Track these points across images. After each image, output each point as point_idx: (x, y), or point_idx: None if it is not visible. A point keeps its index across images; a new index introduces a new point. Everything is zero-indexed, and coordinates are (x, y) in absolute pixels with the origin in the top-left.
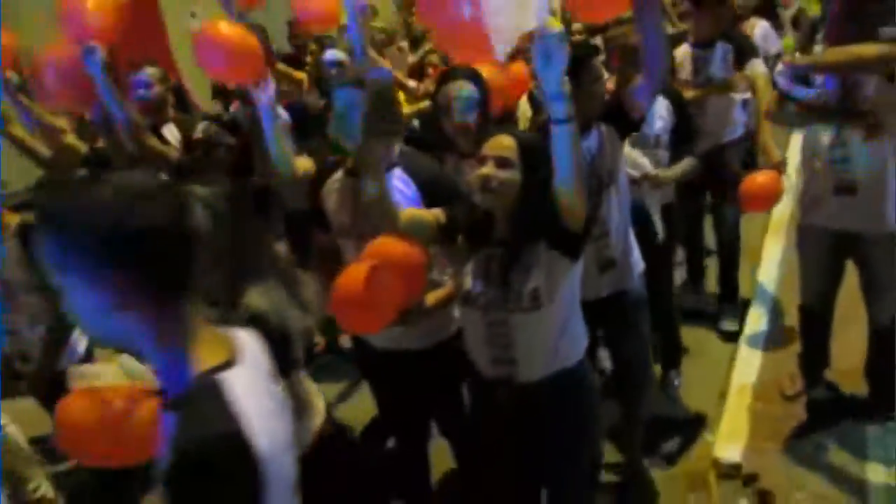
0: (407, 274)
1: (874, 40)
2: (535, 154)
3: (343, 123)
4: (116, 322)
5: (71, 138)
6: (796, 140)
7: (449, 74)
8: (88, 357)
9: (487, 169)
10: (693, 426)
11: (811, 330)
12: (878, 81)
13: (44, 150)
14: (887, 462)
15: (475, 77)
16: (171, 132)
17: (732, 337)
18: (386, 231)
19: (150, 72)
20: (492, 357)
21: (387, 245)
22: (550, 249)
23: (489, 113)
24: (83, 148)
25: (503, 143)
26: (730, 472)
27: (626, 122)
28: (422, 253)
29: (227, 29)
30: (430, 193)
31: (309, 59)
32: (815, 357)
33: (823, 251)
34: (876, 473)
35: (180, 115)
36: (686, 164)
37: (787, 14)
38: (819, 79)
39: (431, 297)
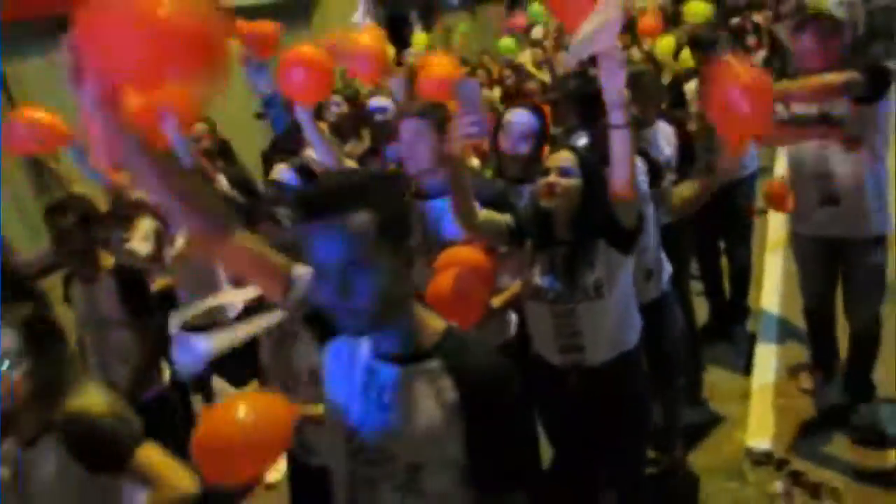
0: (483, 276)
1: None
2: (591, 164)
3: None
4: (400, 288)
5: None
6: (782, 157)
7: (514, 102)
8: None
9: (552, 178)
10: (722, 425)
11: (817, 329)
12: (849, 102)
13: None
14: None
15: (537, 111)
16: (219, 181)
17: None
18: (466, 227)
19: (199, 127)
20: (560, 346)
21: (461, 252)
22: (609, 246)
23: (543, 146)
24: None
25: (563, 155)
26: (762, 459)
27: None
28: (489, 259)
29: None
30: (492, 205)
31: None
32: (825, 353)
33: (817, 257)
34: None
35: (226, 165)
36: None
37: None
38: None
39: (497, 300)
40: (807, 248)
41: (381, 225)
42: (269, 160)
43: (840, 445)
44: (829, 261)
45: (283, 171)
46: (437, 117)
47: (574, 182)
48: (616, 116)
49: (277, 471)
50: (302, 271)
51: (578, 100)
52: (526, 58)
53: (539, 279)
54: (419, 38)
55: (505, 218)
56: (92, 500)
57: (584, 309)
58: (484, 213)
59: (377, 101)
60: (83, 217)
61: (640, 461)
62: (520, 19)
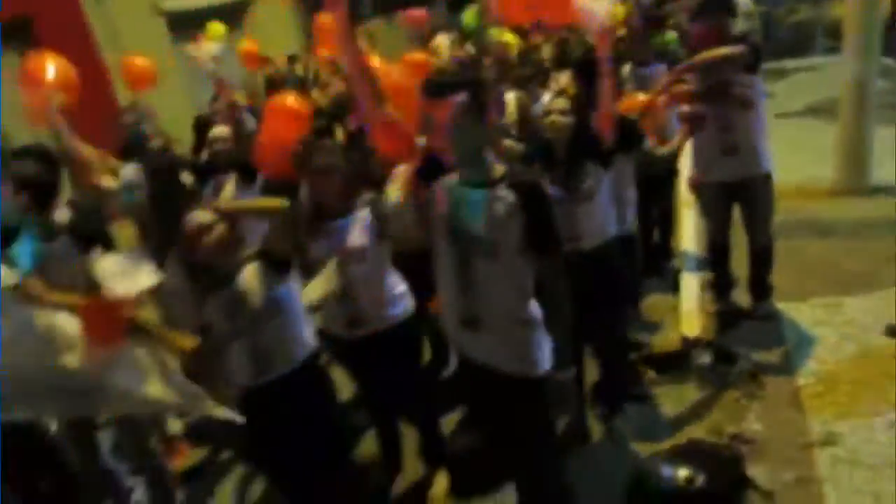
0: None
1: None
2: (582, 106)
3: None
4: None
5: None
6: None
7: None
8: None
9: (554, 117)
10: (660, 330)
11: (717, 261)
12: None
13: None
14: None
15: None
16: None
17: None
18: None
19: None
20: (563, 237)
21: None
22: (594, 164)
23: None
24: None
25: (562, 102)
26: (692, 343)
27: None
28: None
29: None
30: None
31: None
32: (722, 281)
33: (719, 200)
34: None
35: None
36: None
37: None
38: None
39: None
40: (711, 194)
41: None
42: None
43: (746, 329)
44: (728, 201)
45: None
46: None
47: (569, 120)
48: (602, 71)
49: None
50: None
51: (581, 64)
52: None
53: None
54: None
55: (520, 147)
56: None
57: (580, 209)
58: (507, 143)
59: None
60: None
61: (622, 320)
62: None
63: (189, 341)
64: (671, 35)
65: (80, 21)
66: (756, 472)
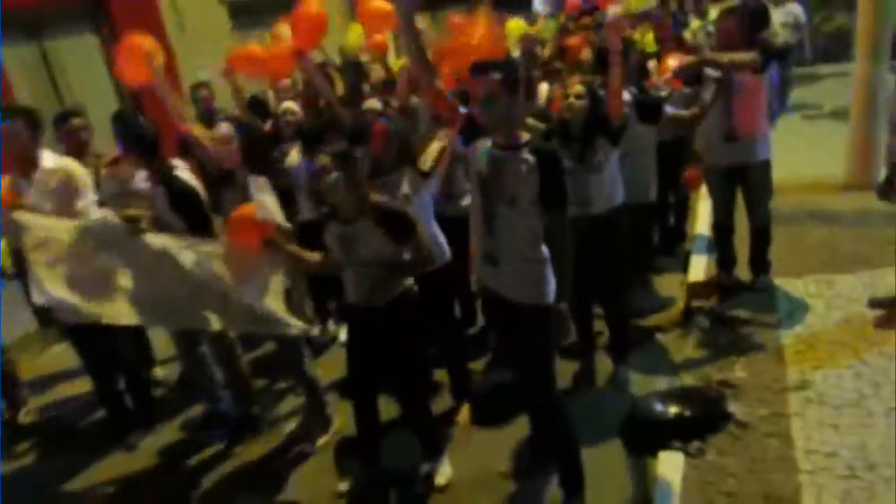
0: None
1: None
2: (594, 91)
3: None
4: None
5: None
6: None
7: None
8: None
9: (571, 100)
10: (670, 302)
11: (722, 240)
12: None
13: None
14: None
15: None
16: None
17: None
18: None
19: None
20: (574, 201)
21: None
22: (605, 140)
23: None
24: None
25: (578, 87)
26: (695, 310)
27: None
28: None
29: None
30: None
31: None
32: (727, 258)
33: (722, 182)
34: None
35: None
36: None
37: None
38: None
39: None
40: (715, 176)
41: (506, 81)
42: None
43: (744, 299)
44: (731, 184)
45: None
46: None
47: (583, 103)
48: (613, 62)
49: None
50: None
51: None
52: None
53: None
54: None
55: (541, 125)
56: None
57: (591, 178)
58: (530, 121)
59: None
60: None
61: (625, 278)
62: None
63: (316, 255)
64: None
65: (152, 6)
66: (735, 408)
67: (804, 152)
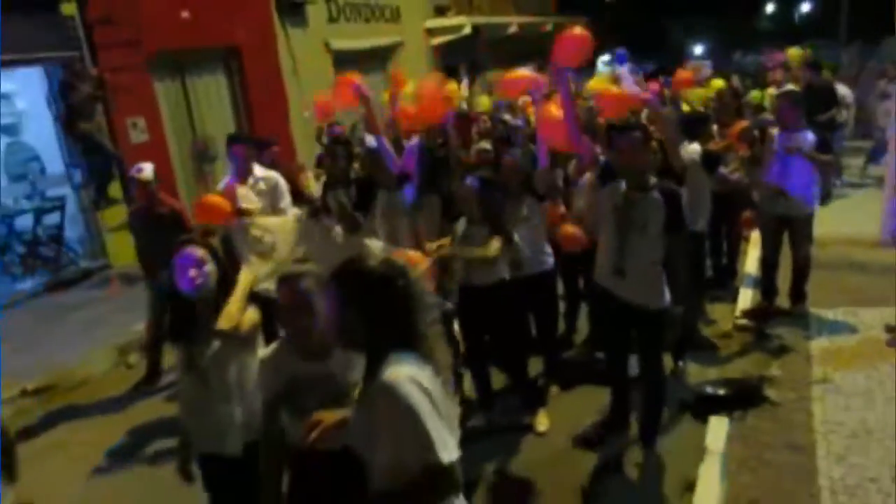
0: None
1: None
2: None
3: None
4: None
5: None
6: None
7: None
8: None
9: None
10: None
11: (767, 273)
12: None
13: None
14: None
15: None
16: None
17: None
18: None
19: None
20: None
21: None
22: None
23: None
24: None
25: (654, 146)
26: (741, 328)
27: None
28: None
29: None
30: None
31: None
32: (770, 289)
33: (771, 227)
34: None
35: None
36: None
37: None
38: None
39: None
40: (767, 221)
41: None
42: None
43: (782, 321)
44: (779, 229)
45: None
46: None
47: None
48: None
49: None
50: None
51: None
52: None
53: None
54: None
55: None
56: None
57: None
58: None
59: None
60: None
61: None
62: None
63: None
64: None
65: (273, 53)
66: (770, 392)
67: (846, 213)
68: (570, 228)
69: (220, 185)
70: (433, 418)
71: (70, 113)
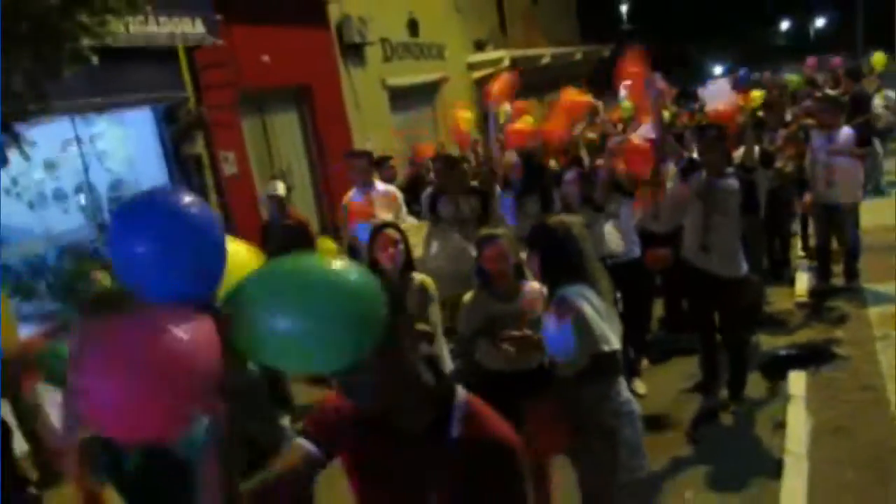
0: None
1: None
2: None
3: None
4: None
5: None
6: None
7: None
8: None
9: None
10: (782, 309)
11: (821, 257)
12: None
13: None
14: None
15: None
16: None
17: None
18: None
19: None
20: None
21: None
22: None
23: None
24: None
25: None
26: (802, 304)
27: None
28: None
29: None
30: None
31: None
32: (825, 271)
33: (822, 215)
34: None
35: None
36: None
37: None
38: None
39: None
40: (818, 210)
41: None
42: None
43: (839, 295)
44: (830, 217)
45: None
46: None
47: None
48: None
49: None
50: None
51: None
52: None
53: None
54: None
55: None
56: None
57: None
58: None
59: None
60: None
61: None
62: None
63: None
64: None
65: (338, 90)
66: (839, 350)
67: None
68: (659, 251)
69: (349, 197)
70: (595, 319)
71: (176, 138)
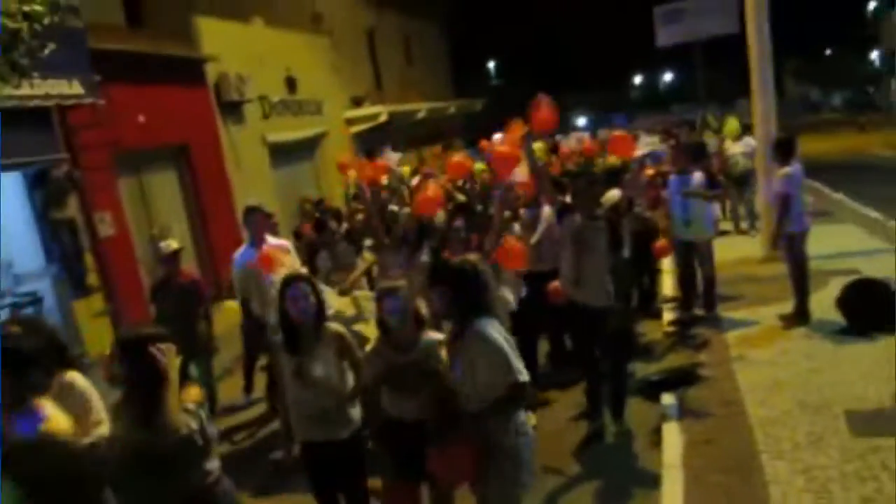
0: None
1: None
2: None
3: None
4: None
5: None
6: None
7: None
8: None
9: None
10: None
11: (684, 289)
12: None
13: None
14: (734, 327)
15: None
16: None
17: None
18: None
19: None
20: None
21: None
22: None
23: None
24: None
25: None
26: (670, 333)
27: None
28: None
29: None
30: None
31: None
32: (687, 300)
33: (681, 250)
34: None
35: None
36: None
37: None
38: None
39: None
40: (678, 247)
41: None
42: None
43: (697, 329)
44: (687, 252)
45: None
46: None
47: None
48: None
49: None
50: None
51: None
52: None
53: None
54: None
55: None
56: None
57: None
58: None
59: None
60: None
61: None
62: None
63: None
64: None
65: (217, 148)
66: (702, 372)
67: (731, 244)
68: (555, 284)
69: (238, 254)
70: (510, 351)
71: (46, 201)
